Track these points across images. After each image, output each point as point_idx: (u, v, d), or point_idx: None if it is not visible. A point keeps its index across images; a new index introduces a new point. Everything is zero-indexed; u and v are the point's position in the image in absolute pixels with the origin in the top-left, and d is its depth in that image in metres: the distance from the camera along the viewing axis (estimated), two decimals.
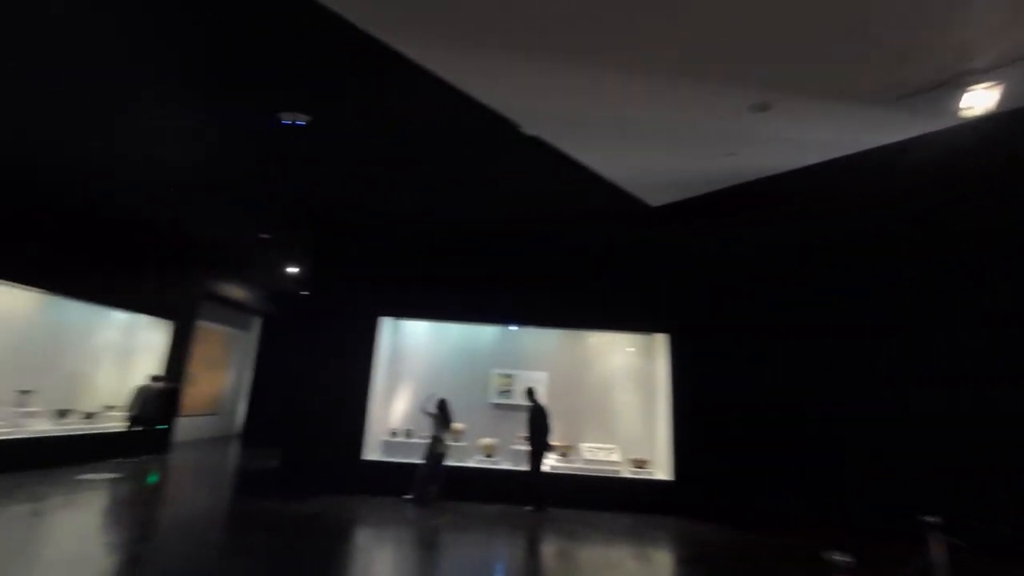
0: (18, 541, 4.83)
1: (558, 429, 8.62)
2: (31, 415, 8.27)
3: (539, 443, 7.61)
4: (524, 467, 7.73)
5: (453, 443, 8.13)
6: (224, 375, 14.94)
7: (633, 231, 8.15)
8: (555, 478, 7.87)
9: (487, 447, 8.31)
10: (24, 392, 8.29)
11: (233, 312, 14.77)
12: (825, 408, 7.75)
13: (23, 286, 8.04)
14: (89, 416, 9.31)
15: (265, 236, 9.81)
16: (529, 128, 5.17)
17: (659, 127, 5.09)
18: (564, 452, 8.31)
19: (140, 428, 9.58)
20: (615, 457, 8.22)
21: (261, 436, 14.91)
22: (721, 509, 7.51)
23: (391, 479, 7.80)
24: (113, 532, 5.40)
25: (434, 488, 7.43)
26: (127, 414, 9.52)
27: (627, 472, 8.03)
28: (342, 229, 8.85)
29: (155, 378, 10.07)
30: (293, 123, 5.45)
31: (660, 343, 8.70)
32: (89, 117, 5.96)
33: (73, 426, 8.95)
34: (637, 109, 4.77)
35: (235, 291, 13.25)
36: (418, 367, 9.05)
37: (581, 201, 7.25)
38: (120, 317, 10.59)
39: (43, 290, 8.34)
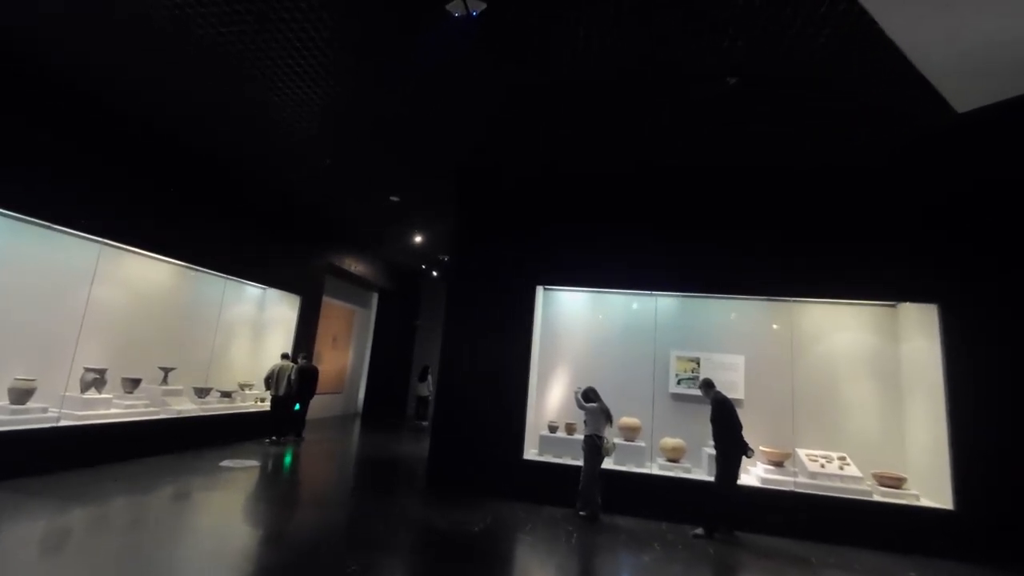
0: (144, 554, 3.92)
1: (762, 429, 6.68)
2: (172, 394, 7.86)
3: (729, 445, 5.68)
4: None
5: (619, 442, 6.53)
6: (347, 353, 14.56)
7: (894, 156, 5.86)
8: (765, 495, 5.98)
9: (673, 449, 6.58)
10: (166, 369, 7.90)
11: (354, 288, 14.28)
12: None
13: (161, 257, 7.55)
14: (226, 395, 8.88)
15: (395, 199, 8.70)
16: None
17: None
18: (777, 462, 6.35)
19: (279, 408, 9.05)
20: (854, 471, 6.11)
21: (381, 416, 14.44)
22: None
23: (556, 484, 6.36)
24: (251, 554, 4.39)
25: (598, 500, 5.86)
26: (269, 393, 9.07)
27: (876, 494, 5.91)
28: (490, 183, 7.42)
29: (291, 356, 9.51)
30: (467, 13, 3.96)
31: (914, 317, 6.37)
32: (228, 71, 4.98)
33: (212, 405, 8.52)
34: None
35: (357, 266, 12.58)
36: (578, 348, 7.48)
37: (839, 113, 5.15)
38: (251, 292, 10.17)
39: (181, 261, 7.83)
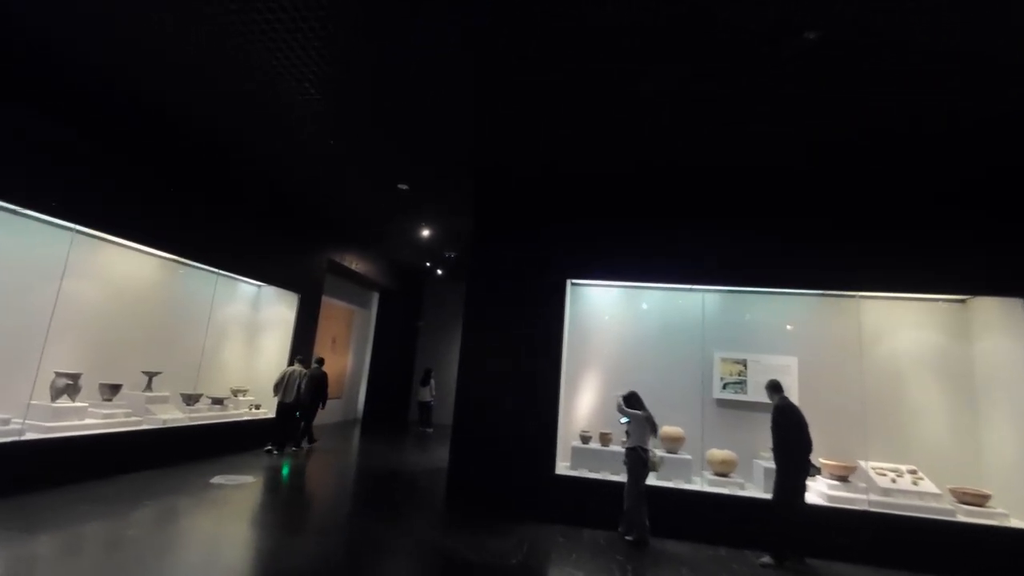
0: None
1: (820, 439, 5.92)
2: (157, 401, 7.04)
3: (791, 460, 4.96)
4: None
5: (661, 454, 5.81)
6: (347, 356, 13.76)
7: (971, 129, 5.15)
8: (834, 515, 5.28)
9: (723, 462, 5.87)
10: (151, 373, 7.08)
11: (354, 287, 13.49)
12: None
13: (145, 248, 6.75)
14: (217, 402, 8.07)
15: (403, 187, 7.94)
16: None
17: None
18: (842, 476, 5.66)
19: (284, 416, 8.35)
20: (929, 486, 5.43)
21: (382, 422, 13.64)
22: None
23: (593, 502, 5.65)
24: None
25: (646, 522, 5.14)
26: (277, 400, 8.38)
27: (959, 514, 5.23)
28: (512, 172, 6.67)
29: (301, 360, 8.77)
30: None
31: (989, 313, 5.72)
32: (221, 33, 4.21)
33: (202, 414, 7.70)
34: None
35: (358, 263, 11.79)
36: (610, 349, 6.76)
37: (922, 76, 4.44)
38: (245, 289, 9.38)
39: (167, 253, 7.02)
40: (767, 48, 4.19)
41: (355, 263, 11.61)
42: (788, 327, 6.42)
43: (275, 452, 8.23)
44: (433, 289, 15.83)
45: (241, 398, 8.73)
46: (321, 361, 9.14)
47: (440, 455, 9.38)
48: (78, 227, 5.68)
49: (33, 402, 5.52)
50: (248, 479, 6.50)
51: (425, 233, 10.48)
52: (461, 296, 15.12)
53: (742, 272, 6.01)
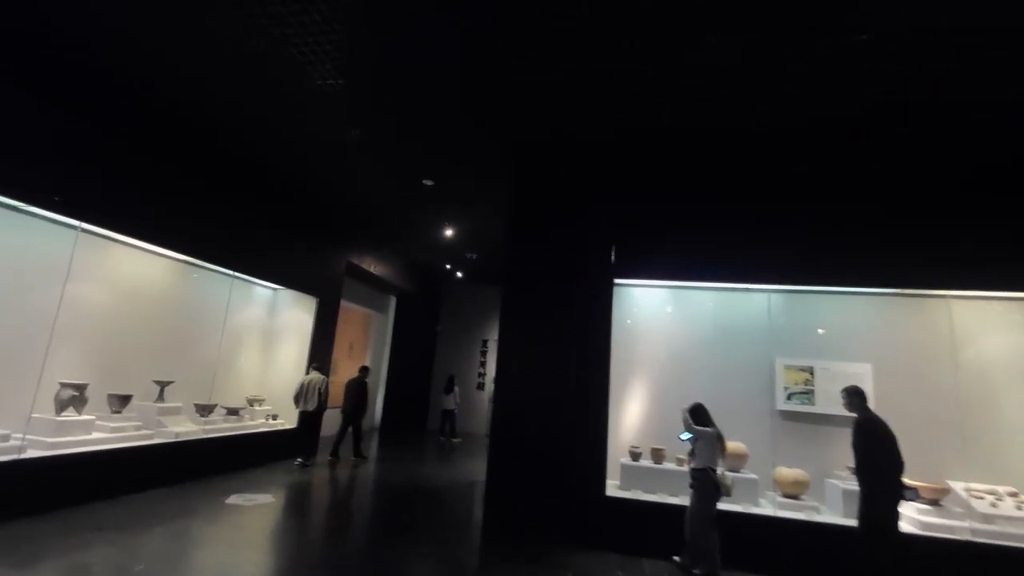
0: None
1: (904, 458, 5.30)
2: (170, 412, 6.56)
3: (878, 482, 4.31)
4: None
5: (733, 473, 5.18)
6: (364, 362, 13.24)
7: None
8: (934, 546, 4.64)
9: (794, 483, 5.24)
10: (163, 383, 6.61)
11: (371, 290, 13.01)
12: None
13: (158, 249, 6.30)
14: (232, 412, 7.58)
15: (428, 183, 7.44)
16: None
17: None
18: (933, 500, 5.00)
19: (307, 425, 8.07)
20: None
21: (401, 431, 13.12)
22: None
23: (649, 527, 5.04)
24: None
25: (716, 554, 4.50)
26: (299, 410, 8.02)
27: None
28: (549, 162, 6.15)
29: (317, 367, 8.33)
30: None
31: None
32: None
33: (217, 425, 7.21)
34: None
35: (377, 265, 11.30)
36: (658, 355, 6.16)
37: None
38: (261, 293, 8.92)
39: (181, 254, 6.56)
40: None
41: (373, 265, 11.13)
42: (860, 330, 5.77)
43: (297, 461, 7.86)
44: (451, 292, 15.34)
45: (257, 408, 8.25)
46: (366, 370, 9.06)
47: (468, 468, 8.83)
48: (83, 224, 5.22)
49: (35, 415, 5.05)
50: (267, 498, 5.98)
51: (448, 233, 9.97)
52: (481, 299, 14.77)
53: (810, 268, 5.39)
